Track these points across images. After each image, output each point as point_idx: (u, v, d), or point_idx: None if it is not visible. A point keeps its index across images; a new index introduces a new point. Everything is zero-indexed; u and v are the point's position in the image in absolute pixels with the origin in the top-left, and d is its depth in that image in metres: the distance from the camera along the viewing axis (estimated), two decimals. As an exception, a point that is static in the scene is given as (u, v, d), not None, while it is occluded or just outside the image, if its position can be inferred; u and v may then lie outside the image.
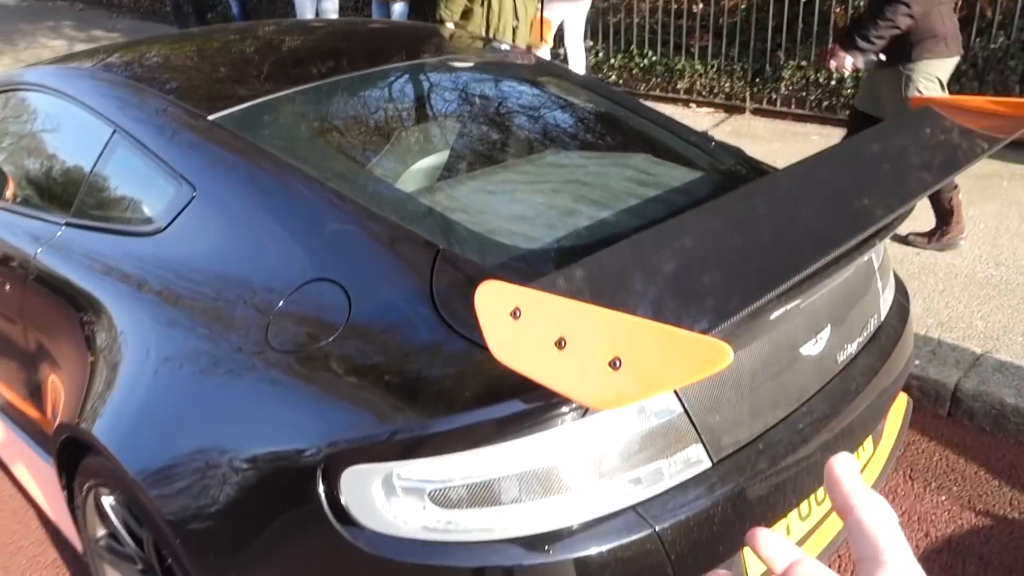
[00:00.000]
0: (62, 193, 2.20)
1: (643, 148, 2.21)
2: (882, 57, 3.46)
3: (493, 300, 1.07)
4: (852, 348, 1.75)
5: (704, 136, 2.37)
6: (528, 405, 1.25)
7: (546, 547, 1.29)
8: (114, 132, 2.02)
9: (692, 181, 1.95)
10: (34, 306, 2.09)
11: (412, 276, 1.48)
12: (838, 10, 5.76)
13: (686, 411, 1.40)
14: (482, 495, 1.29)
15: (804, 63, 5.88)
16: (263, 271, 1.61)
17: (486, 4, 4.66)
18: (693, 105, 6.51)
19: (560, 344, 0.99)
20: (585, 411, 1.28)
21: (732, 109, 6.28)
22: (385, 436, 1.31)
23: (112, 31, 10.88)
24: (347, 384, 1.40)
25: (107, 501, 1.78)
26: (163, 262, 1.76)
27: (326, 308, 1.49)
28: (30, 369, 2.22)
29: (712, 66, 6.35)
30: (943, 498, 2.49)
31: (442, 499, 1.29)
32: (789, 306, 1.42)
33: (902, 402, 2.22)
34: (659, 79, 6.68)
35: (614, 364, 0.95)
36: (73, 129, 2.22)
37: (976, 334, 3.11)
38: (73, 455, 1.83)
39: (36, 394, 2.26)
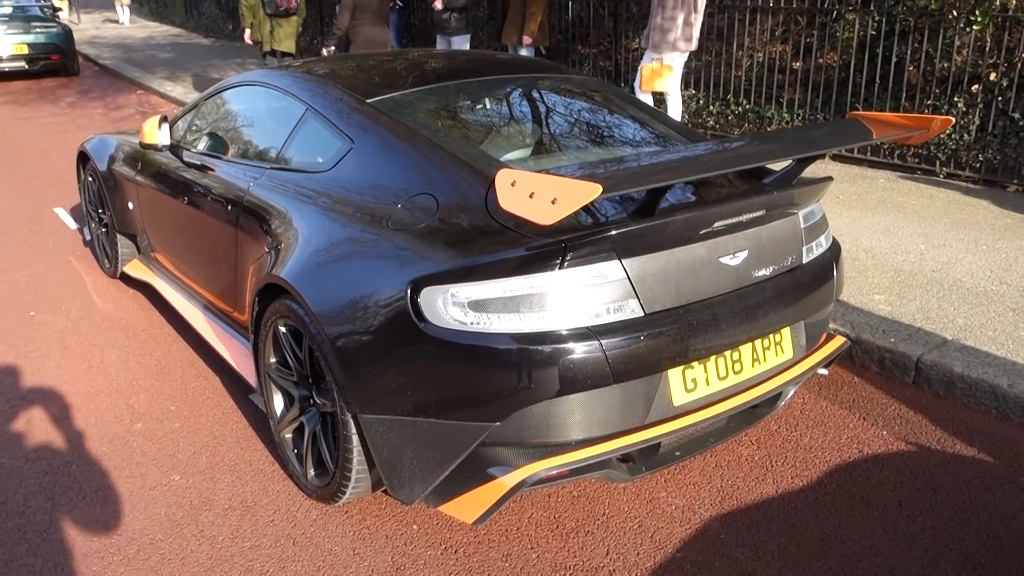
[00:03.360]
0: (269, 148, 3.34)
1: (647, 139, 3.13)
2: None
3: (503, 178, 2.02)
4: (766, 272, 2.57)
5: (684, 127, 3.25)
6: (529, 253, 2.19)
7: (533, 341, 2.21)
8: (306, 110, 3.14)
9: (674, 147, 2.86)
10: (247, 221, 3.20)
11: (476, 191, 2.47)
12: (911, 69, 6.43)
13: (628, 278, 2.29)
14: (501, 307, 2.23)
15: (879, 115, 6.55)
16: (390, 188, 2.64)
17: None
18: (779, 149, 7.26)
19: (531, 195, 1.92)
20: (564, 262, 2.20)
21: (813, 154, 6.99)
22: (445, 271, 2.28)
23: (288, 67, 12.62)
24: (429, 245, 2.38)
25: (282, 329, 2.82)
26: (332, 185, 2.83)
27: (424, 207, 2.50)
28: (236, 270, 3.33)
29: (798, 115, 7.11)
30: (901, 442, 3.21)
31: (477, 308, 2.24)
32: (702, 215, 2.30)
33: (838, 341, 3.00)
34: (751, 125, 7.49)
35: (553, 201, 1.87)
36: (278, 108, 3.36)
37: (954, 327, 3.76)
38: (263, 305, 2.90)
39: (232, 292, 3.37)
